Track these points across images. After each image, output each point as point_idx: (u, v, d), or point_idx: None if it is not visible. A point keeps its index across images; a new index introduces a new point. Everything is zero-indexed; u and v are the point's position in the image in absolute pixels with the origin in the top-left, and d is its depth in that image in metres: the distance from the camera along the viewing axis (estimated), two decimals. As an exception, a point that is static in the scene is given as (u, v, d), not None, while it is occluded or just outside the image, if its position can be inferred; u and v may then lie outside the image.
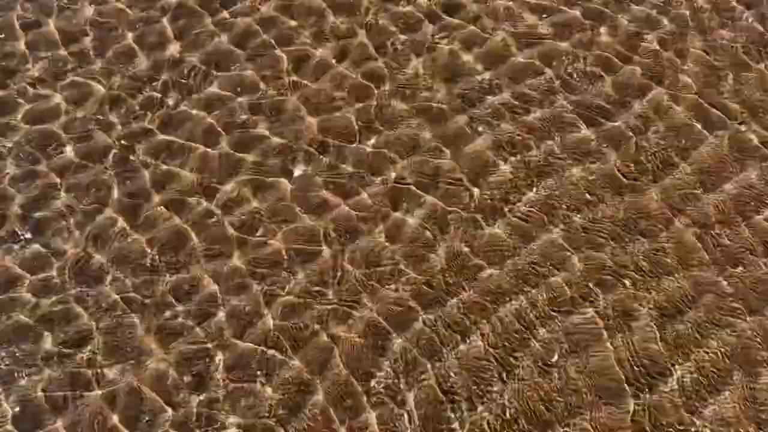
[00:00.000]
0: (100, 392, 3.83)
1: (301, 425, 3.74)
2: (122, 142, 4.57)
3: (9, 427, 3.76)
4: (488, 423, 3.72)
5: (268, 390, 3.83)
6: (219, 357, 3.91)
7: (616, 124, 4.55)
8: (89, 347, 3.94)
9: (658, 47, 4.84)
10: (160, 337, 3.97)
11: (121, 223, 4.30)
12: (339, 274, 4.12)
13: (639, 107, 4.62)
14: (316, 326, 3.97)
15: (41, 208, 4.36)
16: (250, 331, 3.98)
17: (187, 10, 5.05)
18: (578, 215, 4.27)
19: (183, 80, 4.77)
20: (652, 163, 4.43)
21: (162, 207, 4.34)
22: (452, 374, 3.84)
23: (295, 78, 4.77)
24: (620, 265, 4.11)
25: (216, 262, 4.17)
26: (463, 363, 3.87)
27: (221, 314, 4.02)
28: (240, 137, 4.57)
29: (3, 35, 4.98)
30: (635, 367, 3.84)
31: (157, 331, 3.99)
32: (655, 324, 3.95)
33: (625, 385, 3.80)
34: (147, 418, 3.77)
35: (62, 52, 4.90)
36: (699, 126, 4.55)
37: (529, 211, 4.29)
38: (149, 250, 4.21)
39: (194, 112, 4.66)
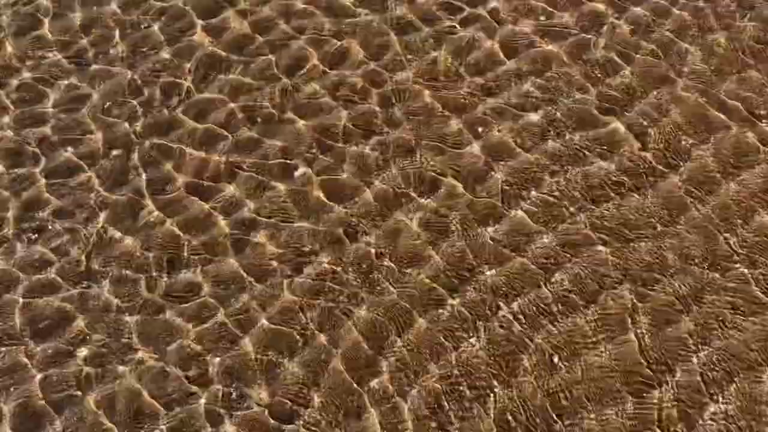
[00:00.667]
0: (127, 368, 3.90)
1: (320, 401, 3.79)
2: (145, 129, 4.64)
3: (41, 402, 3.84)
4: (509, 409, 3.73)
5: (292, 366, 3.88)
6: (244, 337, 3.97)
7: (635, 115, 4.56)
8: (122, 330, 4.02)
9: (675, 38, 4.85)
10: (188, 319, 4.02)
11: (148, 208, 4.37)
12: (360, 257, 4.15)
13: (657, 98, 4.62)
14: (338, 307, 4.01)
15: (68, 194, 4.44)
16: (272, 310, 4.03)
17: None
18: (599, 205, 4.27)
19: (204, 69, 4.85)
20: (671, 154, 4.44)
21: (186, 192, 4.41)
22: (472, 357, 3.86)
23: (320, 66, 4.84)
24: (641, 254, 4.11)
25: (240, 245, 4.23)
26: (484, 347, 3.88)
27: (245, 296, 4.08)
28: (264, 124, 4.63)
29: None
30: (658, 355, 3.83)
31: (185, 313, 4.04)
32: (677, 311, 3.95)
33: (648, 372, 3.80)
34: (176, 396, 3.83)
35: (84, 40, 4.97)
36: (718, 117, 4.55)
37: (550, 199, 4.30)
38: (175, 235, 4.27)
39: (215, 96, 4.73)
